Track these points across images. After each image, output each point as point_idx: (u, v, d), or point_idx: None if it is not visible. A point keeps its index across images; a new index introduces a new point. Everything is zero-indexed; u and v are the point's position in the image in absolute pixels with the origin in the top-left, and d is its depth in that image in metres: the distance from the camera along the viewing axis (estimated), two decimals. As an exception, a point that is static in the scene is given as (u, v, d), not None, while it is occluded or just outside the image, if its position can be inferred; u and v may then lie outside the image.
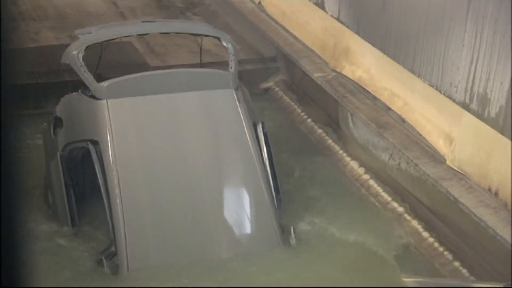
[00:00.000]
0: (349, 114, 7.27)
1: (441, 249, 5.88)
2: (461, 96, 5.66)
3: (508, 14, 5.08)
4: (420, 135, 6.31)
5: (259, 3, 9.34)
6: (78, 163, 6.13)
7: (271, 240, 5.85)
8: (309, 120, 7.91)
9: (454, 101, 5.76)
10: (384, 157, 6.76)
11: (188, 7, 10.37)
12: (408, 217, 6.28)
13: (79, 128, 6.06)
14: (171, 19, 9.89)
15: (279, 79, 8.68)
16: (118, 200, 5.54)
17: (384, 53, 6.70)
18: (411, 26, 6.26)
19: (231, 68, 6.23)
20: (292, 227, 6.02)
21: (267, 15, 9.11)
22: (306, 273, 5.72)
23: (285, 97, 8.39)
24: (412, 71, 6.28)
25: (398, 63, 6.49)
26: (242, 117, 6.02)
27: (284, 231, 5.95)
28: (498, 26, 5.21)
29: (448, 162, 5.92)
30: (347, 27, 7.40)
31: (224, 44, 6.38)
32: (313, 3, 8.08)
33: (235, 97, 6.07)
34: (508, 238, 5.10)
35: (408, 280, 5.54)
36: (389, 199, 6.53)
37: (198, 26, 7.35)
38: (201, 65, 7.17)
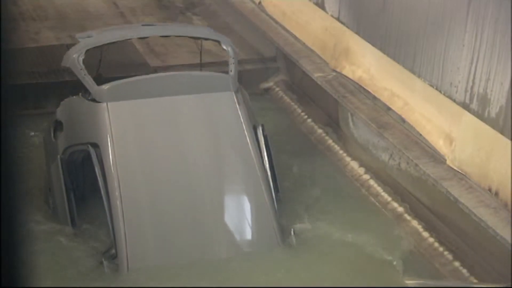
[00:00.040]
0: (349, 114, 7.27)
1: (441, 249, 5.89)
2: (461, 96, 5.66)
3: (508, 14, 5.08)
4: (420, 135, 6.32)
5: (259, 3, 9.34)
6: (79, 166, 6.14)
7: (271, 240, 5.85)
8: (309, 120, 7.91)
9: (454, 101, 5.76)
10: (384, 157, 6.76)
11: (188, 7, 10.37)
12: (408, 217, 6.28)
13: (79, 131, 6.07)
14: (171, 19, 9.91)
15: (279, 79, 8.68)
16: (118, 202, 5.55)
17: (384, 53, 6.70)
18: (411, 26, 6.26)
19: (231, 71, 6.24)
20: (292, 227, 6.03)
21: (267, 15, 9.11)
22: (306, 273, 5.72)
23: (285, 97, 8.39)
24: (412, 71, 6.28)
25: (398, 63, 6.49)
26: (242, 119, 6.03)
27: (284, 231, 5.95)
28: (498, 26, 5.21)
29: (448, 162, 5.92)
30: (347, 27, 7.40)
31: (224, 47, 6.41)
32: (313, 3, 8.08)
33: (235, 100, 6.08)
34: (508, 238, 5.10)
35: (410, 282, 5.54)
36: (389, 199, 6.53)
37: (198, 30, 7.38)
38: (201, 65, 7.18)
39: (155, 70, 8.16)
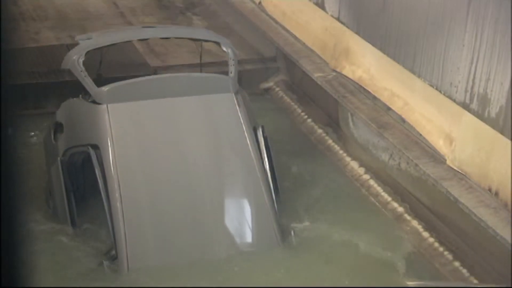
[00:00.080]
0: (349, 114, 7.27)
1: (441, 249, 5.88)
2: (461, 96, 5.67)
3: (508, 14, 5.08)
4: (420, 135, 6.32)
5: (259, 3, 9.35)
6: (79, 167, 6.15)
7: (271, 240, 5.86)
8: (309, 120, 7.91)
9: (454, 101, 5.76)
10: (384, 157, 6.76)
11: (188, 7, 10.37)
12: (408, 217, 6.28)
13: (79, 133, 6.08)
14: (171, 19, 9.91)
15: (279, 79, 8.68)
16: (118, 204, 5.56)
17: (384, 53, 6.70)
18: (411, 26, 6.26)
19: (231, 72, 6.26)
20: (292, 227, 6.03)
21: (267, 15, 9.11)
22: (306, 273, 5.72)
23: (285, 97, 8.39)
24: (412, 71, 6.28)
25: (398, 63, 6.49)
26: (242, 121, 6.03)
27: (284, 231, 5.95)
28: (498, 26, 5.21)
29: (448, 162, 5.92)
30: (347, 27, 7.40)
31: (224, 49, 6.42)
32: (313, 3, 8.08)
33: (235, 101, 6.09)
34: (508, 238, 5.10)
35: (411, 284, 5.54)
36: (389, 199, 6.53)
37: (198, 31, 7.41)
38: (201, 65, 7.19)
39: (155, 70, 8.17)
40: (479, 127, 5.52)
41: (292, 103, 8.25)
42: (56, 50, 8.43)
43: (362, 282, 5.65)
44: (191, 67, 7.89)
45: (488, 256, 5.45)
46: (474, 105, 5.53)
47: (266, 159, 6.11)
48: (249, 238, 5.92)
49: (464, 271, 5.63)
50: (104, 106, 5.85)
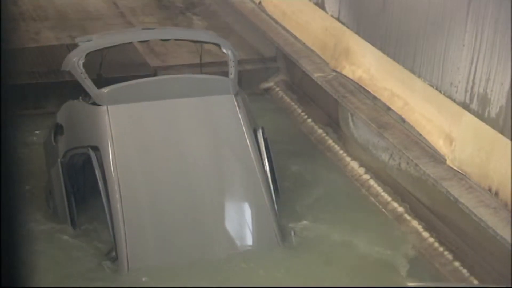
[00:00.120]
0: (349, 114, 7.27)
1: (441, 249, 5.88)
2: (461, 96, 5.67)
3: (508, 14, 5.08)
4: (420, 135, 6.32)
5: (259, 3, 9.35)
6: (79, 169, 6.15)
7: (271, 241, 5.86)
8: (309, 120, 7.91)
9: (454, 101, 5.76)
10: (384, 157, 6.76)
11: (188, 7, 10.37)
12: (408, 217, 6.28)
13: (79, 134, 6.09)
14: (171, 19, 9.91)
15: (279, 79, 8.68)
16: (118, 205, 5.56)
17: (384, 53, 6.70)
18: (411, 26, 6.26)
19: (231, 74, 6.27)
20: (292, 227, 6.03)
21: (267, 15, 9.11)
22: (306, 273, 5.72)
23: (285, 97, 8.39)
24: (412, 71, 6.28)
25: (398, 63, 6.49)
26: (242, 122, 6.04)
27: (284, 231, 5.96)
28: (499, 26, 5.21)
29: (448, 162, 5.92)
30: (347, 27, 7.40)
31: (224, 50, 6.43)
32: (313, 3, 8.08)
33: (235, 103, 6.10)
34: (508, 238, 5.10)
35: (412, 285, 5.55)
36: (389, 199, 6.53)
37: (198, 33, 7.43)
38: (201, 66, 7.19)
39: (155, 70, 8.18)
40: (479, 127, 5.52)
41: (292, 103, 8.25)
42: (56, 50, 8.43)
43: (362, 282, 5.65)
44: (191, 67, 7.89)
45: (488, 256, 5.45)
46: (474, 105, 5.53)
47: (266, 160, 6.12)
48: (249, 238, 5.92)
49: (464, 271, 5.63)
50: (104, 107, 5.86)
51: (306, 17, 8.34)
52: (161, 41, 8.53)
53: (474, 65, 5.50)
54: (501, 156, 5.34)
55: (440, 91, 5.93)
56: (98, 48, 6.42)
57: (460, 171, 5.78)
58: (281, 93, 8.48)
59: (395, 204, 6.45)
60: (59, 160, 5.93)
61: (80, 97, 6.10)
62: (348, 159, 7.17)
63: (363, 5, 7.12)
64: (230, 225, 5.85)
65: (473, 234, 5.59)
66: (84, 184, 6.21)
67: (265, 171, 6.02)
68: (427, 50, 6.05)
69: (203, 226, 5.77)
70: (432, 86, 6.03)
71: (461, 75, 5.65)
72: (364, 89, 7.14)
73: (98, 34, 7.08)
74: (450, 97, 5.81)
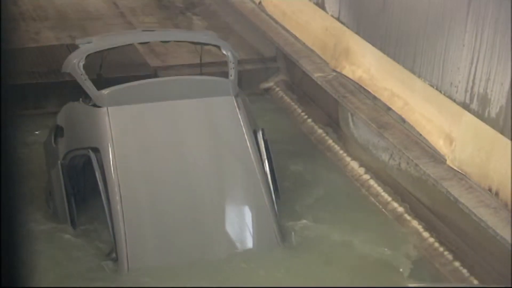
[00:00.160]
0: (349, 114, 7.27)
1: (441, 249, 5.88)
2: (461, 96, 5.66)
3: (508, 14, 5.08)
4: (420, 135, 6.32)
5: (259, 3, 9.35)
6: (79, 171, 6.16)
7: (271, 242, 5.86)
8: (309, 120, 7.91)
9: (454, 101, 5.76)
10: (384, 157, 6.76)
11: (188, 7, 10.37)
12: (408, 217, 6.28)
13: (80, 136, 6.09)
14: (171, 19, 9.91)
15: (279, 79, 8.68)
16: (118, 206, 5.57)
17: (384, 53, 6.70)
18: (411, 26, 6.26)
19: (231, 75, 6.28)
20: (292, 227, 6.03)
21: (267, 15, 9.11)
22: (306, 273, 5.72)
23: (285, 97, 8.39)
24: (412, 71, 6.28)
25: (398, 63, 6.49)
26: (242, 123, 6.05)
27: (284, 231, 5.96)
28: (499, 26, 5.21)
29: (448, 162, 5.92)
30: (347, 27, 7.40)
31: (224, 52, 6.44)
32: (314, 3, 8.08)
33: (235, 104, 6.10)
34: (508, 238, 5.10)
35: (412, 285, 5.55)
36: (389, 199, 6.53)
37: (198, 35, 7.44)
38: (201, 66, 7.20)
39: (155, 70, 8.18)
40: (479, 127, 5.52)
41: (292, 103, 8.25)
42: (56, 50, 8.44)
43: (362, 282, 5.65)
44: (191, 67, 7.89)
45: (488, 256, 5.45)
46: (474, 105, 5.53)
47: (266, 161, 6.12)
48: (249, 238, 5.93)
49: (464, 271, 5.63)
50: (105, 109, 5.86)
51: (306, 17, 8.34)
52: (161, 42, 8.56)
53: (474, 65, 5.49)
54: (501, 156, 5.34)
55: (440, 91, 5.93)
56: (98, 50, 6.44)
57: (460, 171, 5.78)
58: (281, 93, 8.48)
59: (395, 204, 6.45)
60: (59, 161, 5.93)
61: (80, 99, 6.11)
62: (348, 159, 7.17)
63: (363, 5, 7.12)
64: (230, 226, 5.85)
65: (473, 234, 5.59)
66: (84, 186, 6.22)
67: (265, 172, 6.03)
68: (427, 50, 6.05)
69: (203, 226, 5.78)
70: (432, 86, 6.03)
71: (461, 75, 5.65)
72: (364, 89, 7.14)
73: (98, 36, 7.10)
74: (450, 97, 5.81)
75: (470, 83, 5.55)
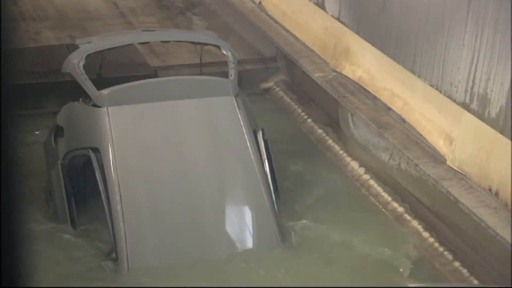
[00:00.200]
0: (349, 114, 7.27)
1: (441, 249, 5.88)
2: (461, 96, 5.66)
3: (508, 14, 5.08)
4: (420, 135, 6.32)
5: (259, 3, 9.35)
6: (79, 171, 6.16)
7: (271, 242, 5.86)
8: (309, 120, 7.91)
9: (454, 101, 5.76)
10: (384, 157, 6.76)
11: (188, 7, 10.37)
12: (408, 217, 6.28)
13: (80, 136, 6.09)
14: (171, 19, 9.91)
15: (279, 79, 8.68)
16: (118, 206, 5.57)
17: (384, 53, 6.70)
18: (411, 26, 6.26)
19: (231, 75, 6.28)
20: (292, 227, 6.03)
21: (267, 15, 9.11)
22: (306, 273, 5.72)
23: (285, 97, 8.39)
24: (412, 71, 6.28)
25: (398, 63, 6.49)
26: (242, 123, 6.05)
27: (284, 231, 5.96)
28: (498, 26, 5.21)
29: (448, 162, 5.92)
30: (347, 27, 7.40)
31: (224, 52, 6.44)
32: (314, 3, 8.08)
33: (235, 104, 6.10)
34: (508, 238, 5.10)
35: (412, 285, 5.54)
36: (389, 199, 6.53)
37: (198, 35, 7.46)
38: (201, 66, 7.20)
39: (155, 70, 8.18)
40: (479, 127, 5.52)
41: (292, 103, 8.25)
42: (56, 50, 8.44)
43: (362, 282, 5.65)
44: (191, 67, 7.89)
45: (488, 256, 5.45)
46: (474, 105, 5.53)
47: (266, 161, 6.13)
48: (249, 238, 5.93)
49: (464, 271, 5.63)
50: (105, 109, 5.86)
51: (306, 17, 8.34)
52: (161, 42, 8.56)
53: (474, 65, 5.49)
54: (501, 156, 5.34)
55: (440, 91, 5.93)
56: (98, 50, 6.44)
57: (460, 171, 5.78)
58: (281, 93, 8.48)
59: (395, 204, 6.45)
60: (59, 161, 5.93)
61: (80, 99, 6.11)
62: (348, 159, 7.17)
63: (363, 5, 7.12)
64: (230, 226, 5.85)
65: (473, 234, 5.59)
66: (84, 186, 6.22)
67: (265, 172, 6.03)
68: (427, 50, 6.05)
69: (203, 226, 5.78)
70: (432, 86, 6.03)
71: (461, 75, 5.65)
72: (364, 89, 7.14)
73: (98, 36, 7.11)
74: (450, 97, 5.81)
75: (470, 83, 5.55)
